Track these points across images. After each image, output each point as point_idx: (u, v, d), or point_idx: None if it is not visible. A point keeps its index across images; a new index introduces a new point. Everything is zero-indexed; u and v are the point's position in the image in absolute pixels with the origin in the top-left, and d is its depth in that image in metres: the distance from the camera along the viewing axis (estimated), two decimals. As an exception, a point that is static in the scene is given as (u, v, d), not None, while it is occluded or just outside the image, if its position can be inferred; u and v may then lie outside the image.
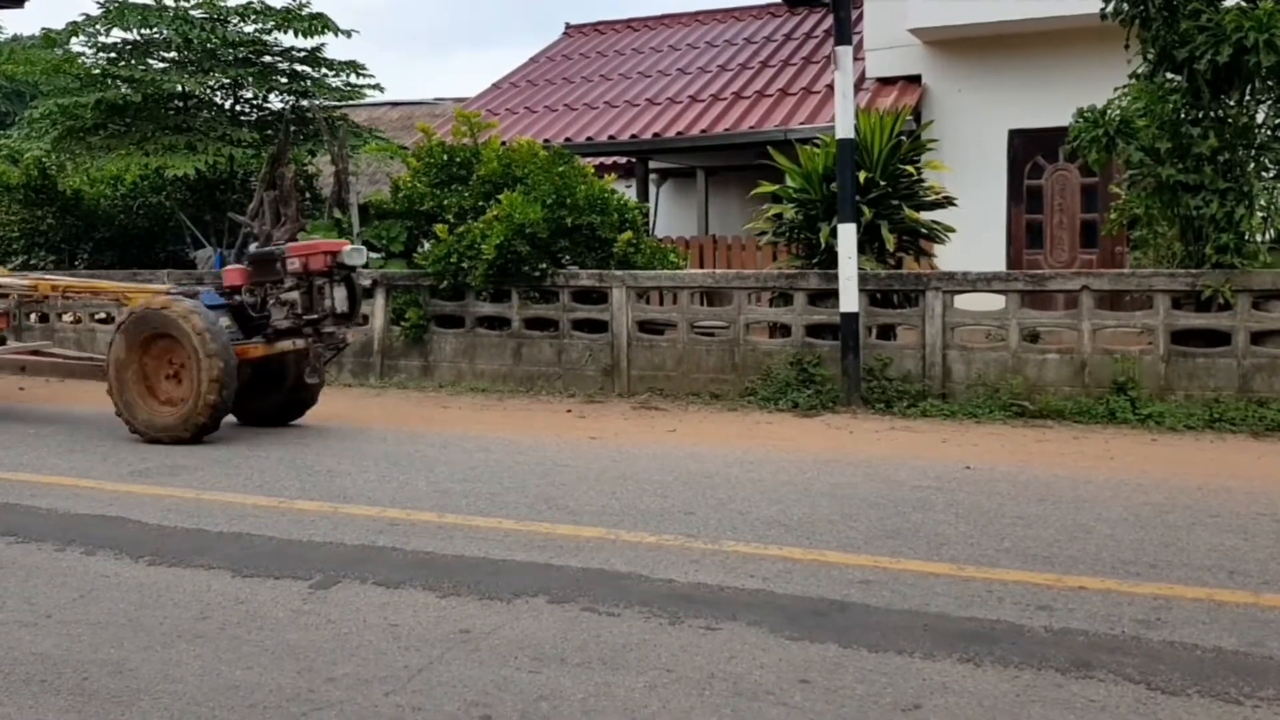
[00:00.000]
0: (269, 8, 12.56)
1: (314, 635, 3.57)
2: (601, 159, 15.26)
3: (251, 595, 3.98)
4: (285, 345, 7.29)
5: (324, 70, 13.28)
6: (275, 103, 13.53)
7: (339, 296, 7.41)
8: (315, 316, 7.30)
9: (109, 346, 7.24)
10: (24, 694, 3.15)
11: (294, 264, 7.24)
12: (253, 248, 8.00)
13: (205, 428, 6.95)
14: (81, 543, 4.70)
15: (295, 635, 3.57)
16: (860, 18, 12.83)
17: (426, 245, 10.23)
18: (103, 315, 11.45)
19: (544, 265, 9.33)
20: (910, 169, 9.04)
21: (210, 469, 6.20)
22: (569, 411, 8.29)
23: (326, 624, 3.67)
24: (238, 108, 13.43)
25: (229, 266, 7.71)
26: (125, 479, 5.96)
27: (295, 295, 7.24)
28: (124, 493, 5.64)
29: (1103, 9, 8.00)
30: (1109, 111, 7.86)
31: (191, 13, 12.42)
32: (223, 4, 12.57)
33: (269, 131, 12.91)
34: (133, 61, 12.71)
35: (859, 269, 8.20)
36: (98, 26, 12.38)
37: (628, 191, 12.79)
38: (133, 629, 3.66)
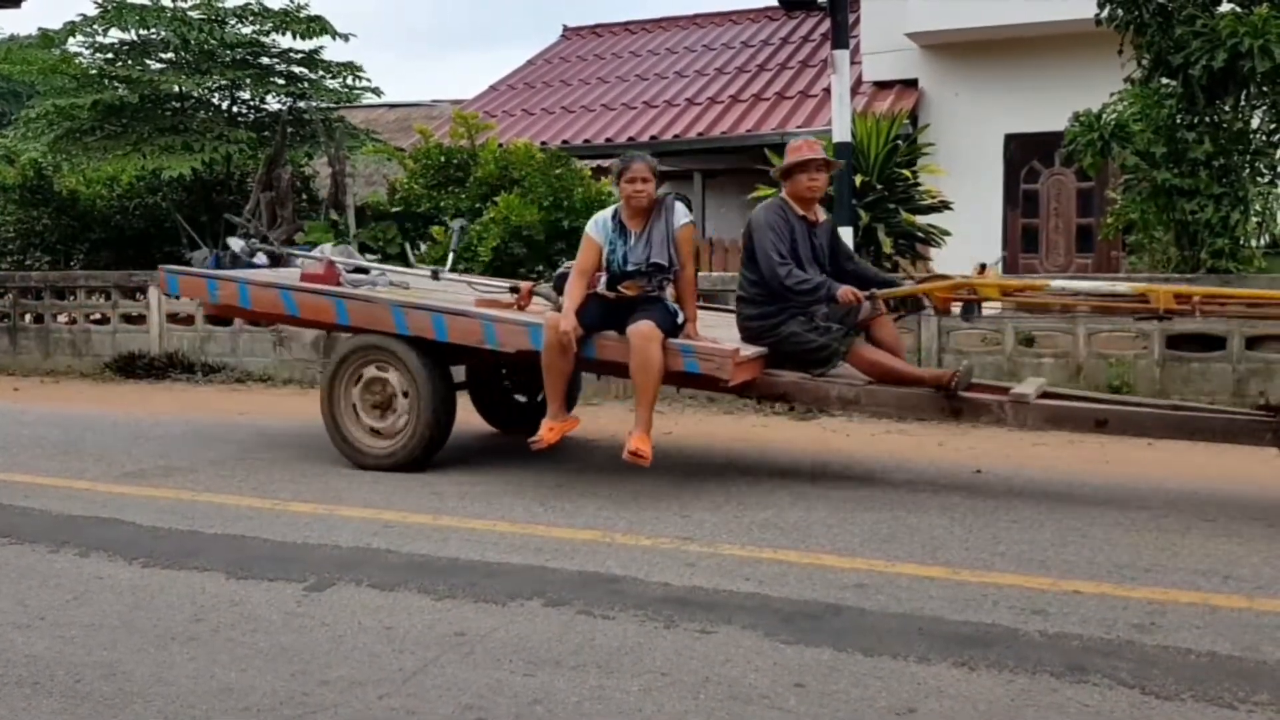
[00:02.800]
0: (267, 9, 12.56)
1: (308, 638, 3.56)
2: (599, 161, 15.26)
3: (246, 597, 3.98)
4: None
5: (321, 72, 13.28)
6: (272, 104, 13.53)
7: None
8: None
9: None
10: (16, 696, 3.14)
11: None
12: None
13: None
14: (75, 544, 4.68)
15: (289, 638, 3.56)
16: (857, 21, 12.86)
17: (423, 247, 10.22)
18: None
19: (540, 268, 9.33)
20: (906, 173, 9.07)
21: (204, 470, 6.19)
22: (565, 414, 8.27)
23: (321, 626, 3.66)
24: (235, 109, 13.42)
25: None
26: (119, 480, 5.95)
27: None
28: (118, 494, 5.62)
29: (1098, 15, 8.03)
30: (1104, 116, 7.89)
31: (189, 14, 12.41)
32: (221, 5, 12.57)
33: (266, 133, 12.90)
34: (130, 62, 12.69)
35: (855, 272, 8.20)
36: (95, 27, 12.36)
37: (625, 194, 12.78)
38: (126, 631, 3.65)
